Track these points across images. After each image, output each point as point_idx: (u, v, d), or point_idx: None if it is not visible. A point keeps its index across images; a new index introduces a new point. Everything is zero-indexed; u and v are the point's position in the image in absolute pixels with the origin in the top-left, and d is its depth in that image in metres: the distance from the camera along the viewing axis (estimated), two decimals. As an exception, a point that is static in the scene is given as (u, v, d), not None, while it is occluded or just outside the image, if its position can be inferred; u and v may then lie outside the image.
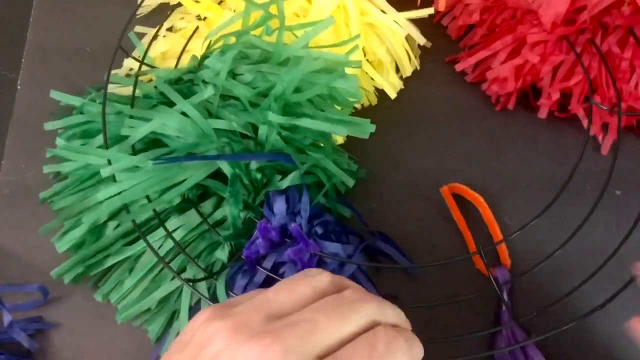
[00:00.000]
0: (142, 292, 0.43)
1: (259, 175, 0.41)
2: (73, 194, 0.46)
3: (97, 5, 0.56)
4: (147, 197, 0.42)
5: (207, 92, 0.43)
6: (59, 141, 0.47)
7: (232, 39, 0.46)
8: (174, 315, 0.44)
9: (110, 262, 0.44)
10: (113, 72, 0.48)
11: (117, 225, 0.44)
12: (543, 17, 0.44)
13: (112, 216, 0.44)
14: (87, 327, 0.45)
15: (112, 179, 0.42)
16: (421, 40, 0.51)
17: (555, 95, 0.47)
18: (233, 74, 0.44)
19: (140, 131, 0.43)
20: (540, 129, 0.50)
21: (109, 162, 0.42)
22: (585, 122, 0.48)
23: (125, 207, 0.42)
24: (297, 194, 0.41)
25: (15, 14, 0.56)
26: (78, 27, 0.54)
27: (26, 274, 0.46)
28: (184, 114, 0.42)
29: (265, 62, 0.44)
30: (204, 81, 0.44)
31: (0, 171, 0.50)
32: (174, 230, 0.43)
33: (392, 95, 0.51)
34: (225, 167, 0.41)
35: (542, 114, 0.49)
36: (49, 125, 0.48)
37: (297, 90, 0.42)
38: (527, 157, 0.50)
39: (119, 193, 0.41)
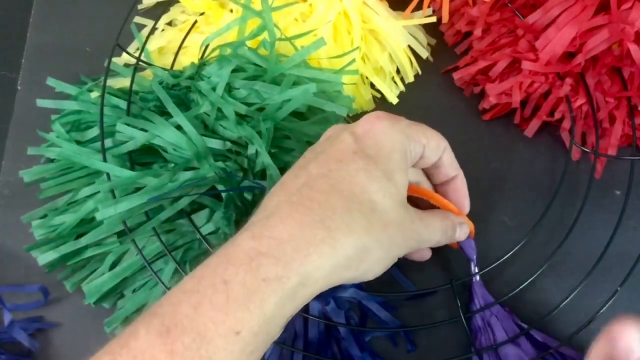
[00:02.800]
0: (120, 283, 0.44)
1: (249, 197, 0.42)
2: (60, 184, 0.47)
3: (97, 5, 0.55)
4: (146, 213, 0.43)
5: (204, 107, 0.44)
6: (56, 126, 0.47)
7: (228, 50, 0.46)
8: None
9: (89, 253, 0.44)
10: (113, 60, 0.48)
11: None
12: (540, 53, 0.45)
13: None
14: (87, 327, 0.45)
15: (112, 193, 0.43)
16: (423, 53, 0.51)
17: (542, 118, 0.49)
18: (229, 87, 0.45)
19: (134, 142, 0.44)
20: (540, 130, 0.50)
21: (108, 177, 0.43)
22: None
23: (125, 225, 0.43)
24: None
25: (15, 14, 0.56)
26: (78, 27, 0.54)
27: (27, 274, 0.47)
28: (179, 126, 0.43)
29: (260, 77, 0.45)
30: (200, 92, 0.45)
31: (0, 171, 0.50)
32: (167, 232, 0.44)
33: (394, 100, 0.51)
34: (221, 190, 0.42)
35: (530, 132, 0.50)
36: (41, 103, 0.48)
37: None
38: (527, 157, 0.50)
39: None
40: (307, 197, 0.32)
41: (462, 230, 0.40)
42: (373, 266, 0.33)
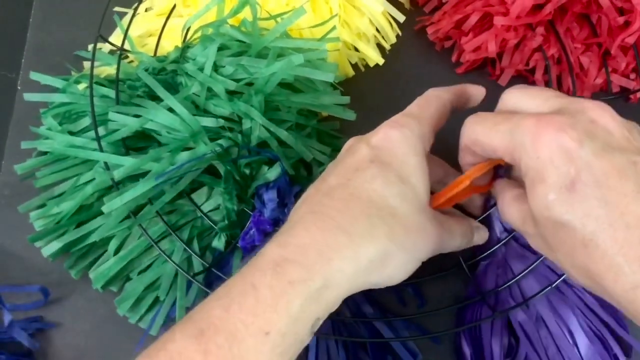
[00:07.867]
0: (126, 266, 0.45)
1: (247, 170, 0.43)
2: (55, 172, 0.47)
3: (97, 5, 0.54)
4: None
5: (194, 88, 0.44)
6: (49, 120, 0.47)
7: (210, 30, 0.47)
8: (156, 302, 0.45)
9: (92, 239, 0.45)
10: (98, 47, 0.48)
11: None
12: (510, 6, 0.47)
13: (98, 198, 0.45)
14: (88, 327, 0.46)
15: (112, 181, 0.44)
16: (400, 17, 0.52)
17: (516, 67, 0.50)
18: (215, 66, 0.45)
19: (128, 128, 0.44)
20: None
21: (106, 165, 0.44)
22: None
23: (130, 215, 0.44)
24: (287, 185, 0.44)
25: (15, 14, 0.56)
26: (78, 27, 0.54)
27: (26, 274, 0.47)
28: (171, 109, 0.44)
29: (245, 52, 0.46)
30: (187, 74, 0.45)
31: (0, 171, 0.50)
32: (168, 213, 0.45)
33: (380, 61, 0.52)
34: (219, 166, 0.43)
35: (503, 81, 0.51)
36: (28, 97, 0.48)
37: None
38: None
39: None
40: (327, 206, 0.33)
41: (480, 235, 0.42)
42: (398, 270, 0.34)
